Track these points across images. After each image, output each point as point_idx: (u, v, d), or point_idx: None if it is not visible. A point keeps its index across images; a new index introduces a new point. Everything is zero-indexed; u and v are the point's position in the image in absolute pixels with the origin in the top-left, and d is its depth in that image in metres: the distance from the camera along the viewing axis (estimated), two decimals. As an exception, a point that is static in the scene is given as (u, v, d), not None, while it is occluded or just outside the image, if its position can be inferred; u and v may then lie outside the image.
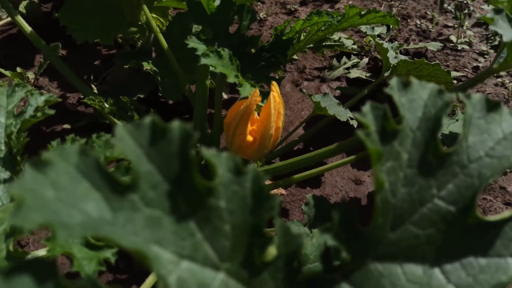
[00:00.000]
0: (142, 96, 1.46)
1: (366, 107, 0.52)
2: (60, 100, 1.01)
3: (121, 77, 1.56)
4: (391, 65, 1.56)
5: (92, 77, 1.75)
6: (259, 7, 2.26)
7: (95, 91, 1.70)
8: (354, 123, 1.41)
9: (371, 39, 1.80)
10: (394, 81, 0.56)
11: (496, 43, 1.94)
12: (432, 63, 1.41)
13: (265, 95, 1.12)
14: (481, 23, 2.10)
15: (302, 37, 1.23)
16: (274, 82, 1.04)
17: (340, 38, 1.36)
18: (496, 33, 1.98)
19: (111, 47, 2.01)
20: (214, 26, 1.09)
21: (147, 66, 1.44)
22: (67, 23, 1.31)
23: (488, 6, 2.20)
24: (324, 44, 1.34)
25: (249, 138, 1.06)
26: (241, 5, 1.10)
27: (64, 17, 1.31)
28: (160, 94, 1.46)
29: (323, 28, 1.20)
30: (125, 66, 1.42)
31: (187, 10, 1.06)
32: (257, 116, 1.06)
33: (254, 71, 1.16)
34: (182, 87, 1.46)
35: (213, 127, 1.24)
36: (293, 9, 2.21)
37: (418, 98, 0.56)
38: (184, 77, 1.32)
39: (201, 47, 1.03)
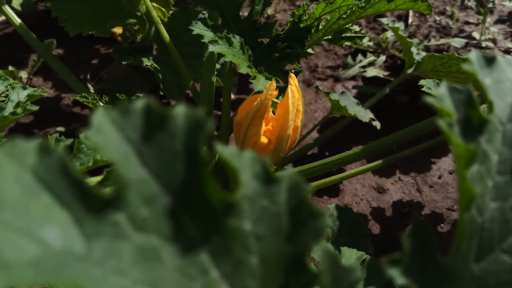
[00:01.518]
0: (141, 95, 1.32)
1: (442, 89, 0.38)
2: (45, 94, 0.87)
3: (118, 75, 1.42)
4: (415, 61, 1.42)
5: (88, 77, 1.61)
6: (266, 3, 2.13)
7: (92, 90, 1.56)
8: (377, 124, 1.26)
9: (393, 33, 1.67)
10: (473, 56, 0.41)
11: (523, 40, 1.80)
12: (463, 56, 1.27)
13: (281, 90, 0.98)
14: (504, 20, 1.96)
15: (321, 26, 1.09)
16: (292, 75, 0.90)
17: (361, 29, 1.22)
18: (522, 29, 1.85)
19: (109, 45, 1.88)
20: (222, 10, 0.95)
21: (147, 62, 1.30)
22: (59, 13, 1.18)
23: (510, 2, 2.07)
24: (344, 35, 1.20)
25: (264, 139, 0.92)
26: (252, -13, 0.96)
27: (56, 6, 1.18)
28: (162, 93, 1.32)
29: (344, 15, 1.06)
30: (123, 63, 1.29)
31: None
32: (272, 114, 0.92)
33: (267, 64, 1.02)
34: (185, 85, 1.32)
35: (220, 128, 1.10)
36: (302, 5, 2.07)
37: (506, 79, 0.41)
38: (188, 74, 1.18)
39: (208, 34, 0.90)
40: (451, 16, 1.98)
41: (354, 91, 1.63)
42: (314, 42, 1.11)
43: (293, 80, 0.89)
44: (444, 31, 1.88)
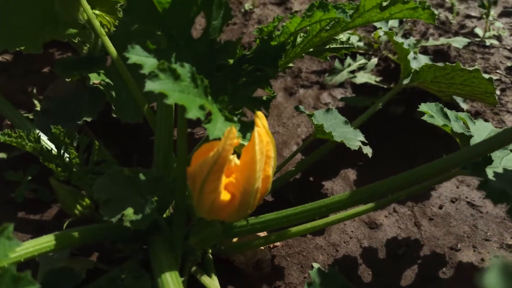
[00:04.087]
0: (89, 118, 1.11)
1: None
2: None
3: (65, 92, 1.21)
4: (412, 70, 1.22)
5: (35, 91, 1.39)
6: (246, -4, 1.90)
7: (38, 108, 1.35)
8: (368, 151, 1.07)
9: (386, 36, 1.46)
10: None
11: (531, 36, 1.61)
12: (470, 69, 1.07)
13: (249, 126, 0.78)
14: (510, 12, 1.76)
15: (298, 40, 0.89)
16: (259, 113, 0.70)
17: (349, 39, 1.01)
18: (530, 24, 1.65)
19: (65, 49, 1.65)
20: (168, 28, 0.74)
21: (95, 79, 1.09)
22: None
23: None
24: (327, 47, 1.00)
25: (225, 195, 0.72)
26: (209, -3, 0.75)
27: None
28: (114, 115, 1.11)
29: (328, 27, 0.86)
30: (67, 80, 1.07)
31: (125, 5, 0.71)
32: (237, 162, 0.72)
33: (232, 91, 0.82)
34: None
35: (173, 170, 0.90)
36: (274, 17, 1.85)
37: None
38: (141, 98, 0.97)
39: (148, 62, 0.69)
40: (450, 9, 1.77)
41: (342, 104, 1.43)
42: (292, 58, 0.91)
43: (261, 121, 0.69)
44: (443, 27, 1.68)
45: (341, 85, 1.51)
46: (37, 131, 0.98)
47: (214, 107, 0.72)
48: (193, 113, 0.63)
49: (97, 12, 1.00)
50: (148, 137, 1.31)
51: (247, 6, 1.80)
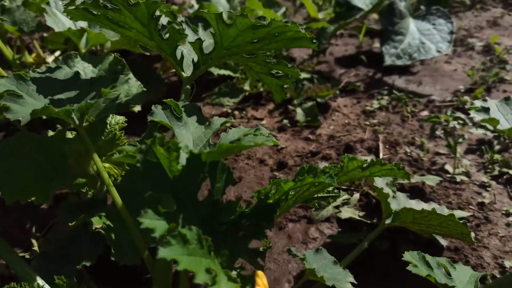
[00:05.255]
0: (88, 263, 1.14)
1: None
2: None
3: (64, 234, 1.25)
4: (393, 211, 1.32)
5: (34, 230, 1.44)
6: (234, 133, 2.08)
7: (35, 248, 1.37)
8: (359, 294, 1.12)
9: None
10: None
11: (496, 173, 1.77)
12: (446, 214, 1.18)
13: (247, 280, 0.83)
14: (474, 149, 1.95)
15: (291, 194, 0.99)
16: (260, 273, 0.76)
17: (334, 188, 1.12)
18: (493, 162, 1.83)
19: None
20: (178, 193, 0.83)
21: (97, 223, 1.15)
22: (-5, 177, 1.04)
23: (476, 130, 2.09)
24: (316, 196, 1.10)
25: None
26: (213, 162, 0.86)
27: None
28: (113, 258, 1.14)
29: (317, 183, 0.97)
30: (70, 224, 1.13)
31: (140, 173, 0.81)
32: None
33: (232, 244, 0.89)
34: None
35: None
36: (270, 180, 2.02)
37: None
38: (142, 243, 1.03)
39: (159, 225, 0.76)
40: (421, 147, 1.96)
41: (330, 240, 1.50)
42: (284, 211, 1.00)
43: (262, 280, 0.75)
44: (416, 164, 1.84)
45: (327, 219, 1.60)
46: (41, 282, 1.01)
47: (217, 265, 0.78)
48: (200, 278, 0.69)
49: (106, 165, 1.10)
50: (145, 276, 1.33)
51: (237, 143, 1.96)
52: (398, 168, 0.96)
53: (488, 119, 1.00)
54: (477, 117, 1.02)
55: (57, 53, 2.54)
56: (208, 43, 1.53)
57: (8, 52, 1.94)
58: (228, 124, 1.13)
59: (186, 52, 1.36)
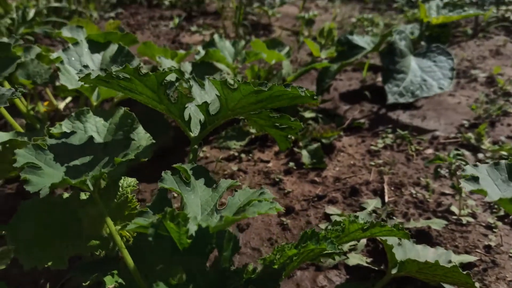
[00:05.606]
0: (102, 323, 1.18)
1: None
2: None
3: (80, 292, 1.29)
4: (399, 261, 1.35)
5: (48, 285, 1.48)
6: (241, 177, 2.13)
7: (50, 303, 1.42)
8: None
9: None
10: None
11: (502, 213, 1.79)
12: (451, 263, 1.20)
13: None
14: (479, 189, 1.97)
15: (295, 257, 1.02)
16: None
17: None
18: (498, 202, 1.84)
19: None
20: (187, 264, 0.88)
21: (110, 283, 1.19)
22: (14, 244, 1.09)
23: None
24: (320, 253, 1.14)
25: None
26: (220, 232, 0.90)
27: (11, 236, 1.10)
28: (126, 317, 1.18)
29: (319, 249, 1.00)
30: (84, 284, 1.18)
31: (152, 246, 0.86)
32: None
33: (239, 309, 0.93)
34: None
35: None
36: (277, 179, 2.08)
37: None
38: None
39: (170, 299, 0.81)
40: (426, 187, 1.98)
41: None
42: (289, 272, 1.04)
43: None
44: (422, 206, 1.87)
45: (335, 266, 1.62)
46: None
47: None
48: None
49: (118, 227, 1.15)
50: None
51: (244, 187, 2.01)
52: (398, 229, 1.00)
53: (477, 190, 1.04)
54: (468, 187, 1.05)
55: (68, 99, 2.64)
56: (214, 97, 1.60)
57: (22, 106, 2.03)
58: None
59: (194, 110, 1.42)
